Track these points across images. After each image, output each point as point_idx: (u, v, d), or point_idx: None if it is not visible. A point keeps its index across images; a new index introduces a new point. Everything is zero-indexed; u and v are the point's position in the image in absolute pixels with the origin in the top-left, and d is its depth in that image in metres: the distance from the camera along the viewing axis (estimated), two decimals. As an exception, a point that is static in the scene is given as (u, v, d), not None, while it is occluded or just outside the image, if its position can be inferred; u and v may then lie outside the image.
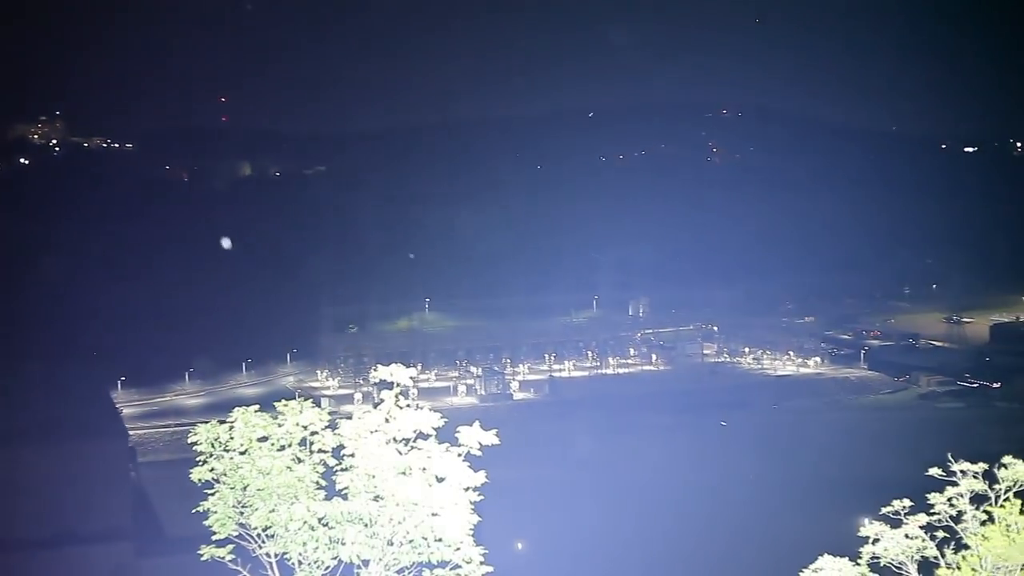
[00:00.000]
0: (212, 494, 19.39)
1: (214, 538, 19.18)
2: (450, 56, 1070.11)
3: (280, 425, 19.27)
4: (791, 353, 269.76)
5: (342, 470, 18.98)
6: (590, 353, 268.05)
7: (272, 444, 19.20)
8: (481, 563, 19.14)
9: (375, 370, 19.62)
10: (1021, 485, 19.77)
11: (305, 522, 18.73)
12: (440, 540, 18.87)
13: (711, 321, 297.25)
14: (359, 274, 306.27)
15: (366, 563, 18.82)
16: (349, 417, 19.19)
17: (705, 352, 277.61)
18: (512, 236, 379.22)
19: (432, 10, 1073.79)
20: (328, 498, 19.02)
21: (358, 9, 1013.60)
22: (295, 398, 19.92)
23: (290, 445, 19.25)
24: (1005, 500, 19.47)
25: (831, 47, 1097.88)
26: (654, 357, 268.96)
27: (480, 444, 18.86)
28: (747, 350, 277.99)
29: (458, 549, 18.94)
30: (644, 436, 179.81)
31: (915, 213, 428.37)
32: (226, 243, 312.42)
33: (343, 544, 18.53)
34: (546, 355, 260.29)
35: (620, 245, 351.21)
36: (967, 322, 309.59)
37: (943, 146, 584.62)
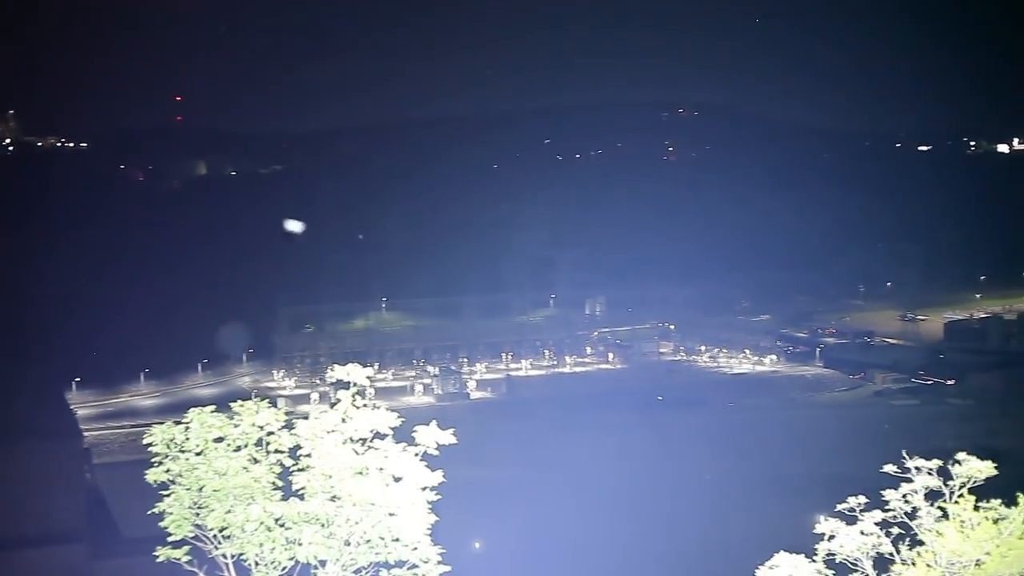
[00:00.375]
0: (168, 495, 19.29)
1: (170, 539, 19.08)
2: (408, 56, 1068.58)
3: (236, 426, 19.18)
4: (747, 351, 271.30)
5: (299, 470, 18.93)
6: (547, 352, 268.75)
7: (228, 445, 19.11)
8: (439, 563, 19.14)
9: (332, 370, 19.57)
10: (975, 481, 19.91)
11: (262, 523, 18.66)
12: (397, 540, 18.85)
13: (668, 320, 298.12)
14: (316, 274, 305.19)
15: (323, 563, 18.78)
16: (306, 417, 19.14)
17: (662, 350, 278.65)
18: (469, 235, 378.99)
19: (388, 10, 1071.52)
20: (285, 499, 18.96)
21: (314, 8, 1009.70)
22: (251, 398, 19.81)
23: (246, 446, 19.16)
24: (959, 496, 19.60)
25: (787, 46, 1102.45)
26: (611, 356, 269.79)
27: (437, 443, 18.85)
28: (703, 348, 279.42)
29: (415, 549, 18.92)
30: (601, 435, 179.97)
31: (870, 211, 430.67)
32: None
33: (300, 545, 18.48)
34: (503, 354, 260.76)
35: (577, 244, 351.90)
36: (921, 319, 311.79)
37: (897, 145, 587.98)
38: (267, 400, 20.28)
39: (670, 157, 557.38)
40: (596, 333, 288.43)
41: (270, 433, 19.18)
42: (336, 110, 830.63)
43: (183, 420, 19.40)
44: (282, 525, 18.73)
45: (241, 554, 18.95)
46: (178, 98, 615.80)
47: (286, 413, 19.67)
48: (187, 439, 19.16)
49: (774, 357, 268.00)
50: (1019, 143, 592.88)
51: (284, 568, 18.82)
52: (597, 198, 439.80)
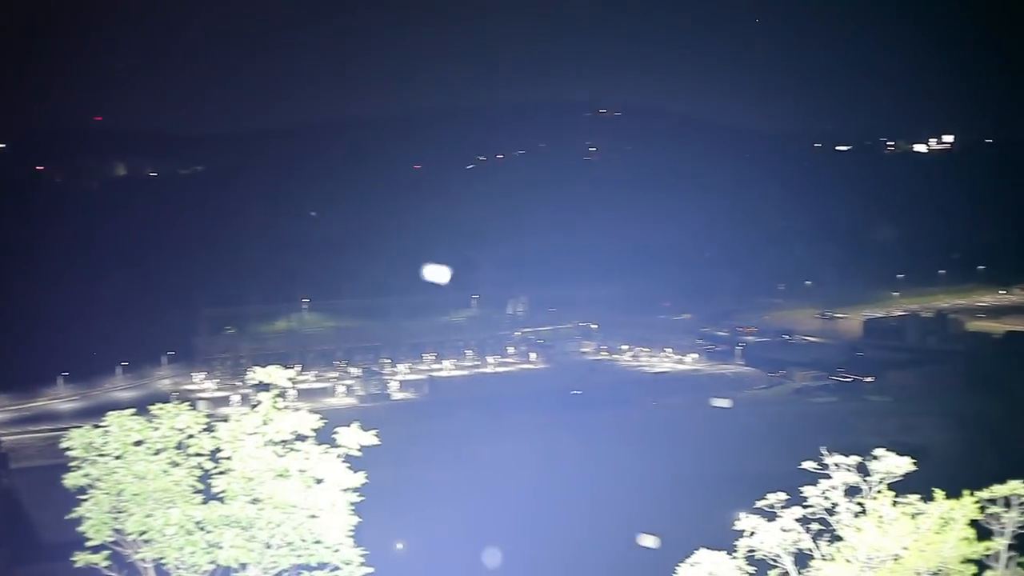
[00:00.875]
0: (86, 499, 19.12)
1: (89, 544, 18.93)
2: (328, 55, 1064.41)
3: (156, 429, 19.07)
4: (669, 350, 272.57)
5: (219, 473, 18.84)
6: (469, 352, 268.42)
7: (148, 448, 18.99)
8: (361, 564, 19.11)
9: (253, 372, 19.49)
10: (893, 477, 20.15)
11: (182, 526, 18.54)
12: (319, 542, 18.81)
13: (590, 319, 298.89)
14: (237, 275, 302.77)
15: (244, 567, 18.69)
16: (226, 420, 19.04)
17: (584, 350, 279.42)
18: (391, 236, 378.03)
19: (310, 7, 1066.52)
20: (205, 502, 18.85)
21: (232, 6, 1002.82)
22: (171, 401, 19.69)
23: (166, 449, 19.05)
24: (878, 492, 19.83)
25: (708, 47, 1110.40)
26: (533, 356, 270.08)
27: (359, 445, 18.82)
28: (625, 347, 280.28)
29: (337, 551, 18.89)
30: (523, 434, 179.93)
31: (789, 210, 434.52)
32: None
33: (221, 548, 18.38)
34: (425, 355, 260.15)
35: (499, 244, 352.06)
36: (840, 317, 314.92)
37: (816, 145, 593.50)
38: (187, 403, 20.16)
39: (592, 157, 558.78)
40: (518, 333, 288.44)
41: (190, 436, 19.06)
42: (256, 111, 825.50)
43: (102, 423, 19.23)
44: (203, 528, 18.61)
45: (161, 558, 18.83)
46: (97, 98, 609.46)
47: (206, 416, 19.57)
48: (106, 443, 19.01)
49: (695, 356, 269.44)
50: (936, 143, 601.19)
51: (205, 572, 18.70)
52: (519, 198, 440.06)
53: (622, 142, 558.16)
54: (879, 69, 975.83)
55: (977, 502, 19.41)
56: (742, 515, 20.78)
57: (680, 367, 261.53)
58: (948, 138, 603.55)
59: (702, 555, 20.69)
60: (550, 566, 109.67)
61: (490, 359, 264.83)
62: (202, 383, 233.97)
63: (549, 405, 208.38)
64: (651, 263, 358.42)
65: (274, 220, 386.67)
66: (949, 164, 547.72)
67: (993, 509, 19.72)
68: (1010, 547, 19.56)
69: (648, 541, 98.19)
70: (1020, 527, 19.51)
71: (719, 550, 20.73)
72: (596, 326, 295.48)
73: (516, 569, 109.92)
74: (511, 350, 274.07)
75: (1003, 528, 19.55)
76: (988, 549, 19.27)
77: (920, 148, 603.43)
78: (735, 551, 20.49)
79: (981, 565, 19.29)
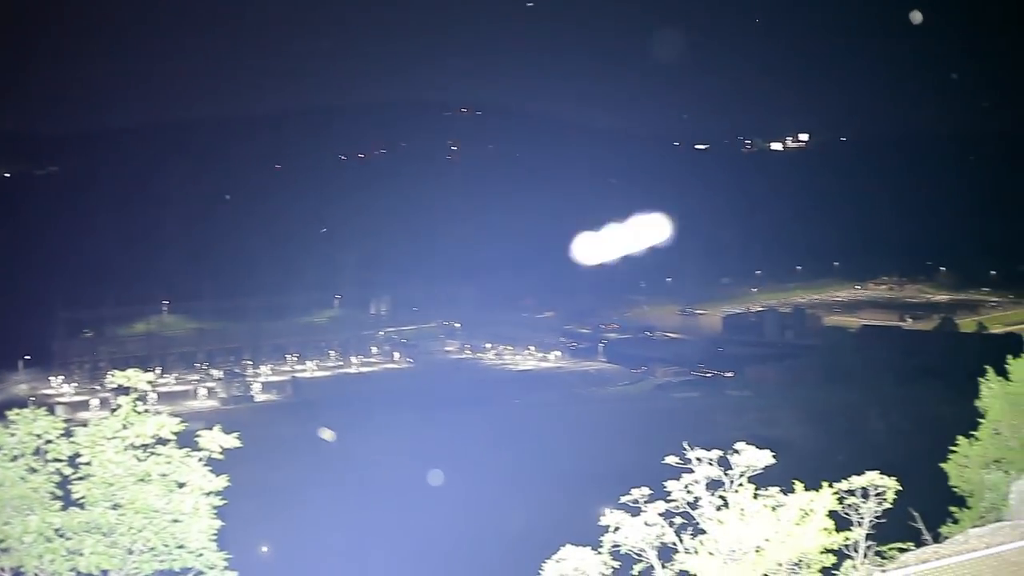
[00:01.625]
0: (-60, 509, 18.67)
1: (-58, 554, 18.48)
2: (187, 54, 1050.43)
3: (12, 435, 18.67)
4: (532, 348, 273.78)
5: (79, 479, 18.51)
6: (332, 353, 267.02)
7: (4, 454, 18.59)
8: (225, 568, 18.93)
9: (112, 375, 19.20)
10: (754, 470, 20.42)
11: (41, 534, 18.19)
12: (182, 547, 18.58)
13: (453, 318, 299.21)
14: (94, 277, 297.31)
15: (106, 573, 18.40)
16: (85, 424, 18.73)
17: (447, 349, 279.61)
18: (252, 236, 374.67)
19: (171, 5, 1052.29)
20: (65, 508, 18.52)
21: (93, 5, 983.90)
22: (28, 406, 19.29)
23: (23, 455, 18.66)
24: (739, 485, 20.09)
25: (569, 47, 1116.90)
26: (397, 355, 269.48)
27: (221, 448, 18.63)
28: (489, 346, 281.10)
29: (201, 555, 18.68)
30: (388, 434, 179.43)
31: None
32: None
33: (81, 555, 18.07)
34: (288, 356, 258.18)
35: (361, 243, 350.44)
36: (700, 314, 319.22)
37: (675, 144, 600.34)
38: (45, 408, 19.77)
39: (454, 156, 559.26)
40: (382, 332, 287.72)
41: (48, 441, 18.71)
42: (118, 110, 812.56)
43: (-45, 431, 18.79)
44: (62, 535, 18.29)
45: (20, 567, 18.46)
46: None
47: (65, 420, 19.20)
48: (-40, 450, 18.59)
49: (558, 353, 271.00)
50: (792, 141, 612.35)
51: (65, 579, 18.39)
52: (381, 197, 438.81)
53: (484, 141, 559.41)
54: (736, 68, 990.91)
55: (835, 493, 19.76)
56: (606, 510, 20.90)
57: (543, 365, 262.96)
58: (804, 136, 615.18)
59: (567, 551, 20.77)
60: (415, 566, 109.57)
61: (353, 359, 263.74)
62: (60, 387, 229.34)
63: (413, 405, 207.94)
64: (513, 261, 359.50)
65: (132, 221, 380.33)
66: (805, 162, 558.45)
67: (851, 500, 20.11)
68: (868, 536, 19.96)
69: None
70: (877, 517, 19.92)
71: (584, 546, 20.82)
72: (459, 325, 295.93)
73: (381, 570, 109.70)
74: (375, 350, 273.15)
75: (861, 518, 19.94)
76: (847, 539, 19.65)
77: (776, 146, 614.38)
78: (600, 546, 20.60)
79: (840, 555, 19.66)
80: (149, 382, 18.78)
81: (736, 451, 20.77)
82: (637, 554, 20.50)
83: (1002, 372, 27.00)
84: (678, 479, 20.66)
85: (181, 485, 18.37)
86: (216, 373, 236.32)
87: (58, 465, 18.69)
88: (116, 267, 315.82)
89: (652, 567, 20.29)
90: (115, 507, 18.24)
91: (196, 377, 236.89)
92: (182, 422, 18.80)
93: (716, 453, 20.78)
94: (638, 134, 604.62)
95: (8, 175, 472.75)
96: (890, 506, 20.07)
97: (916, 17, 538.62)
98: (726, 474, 20.41)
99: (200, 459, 18.43)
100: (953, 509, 26.50)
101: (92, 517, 18.16)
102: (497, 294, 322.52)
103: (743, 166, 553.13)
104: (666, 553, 20.37)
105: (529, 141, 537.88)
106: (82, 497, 18.28)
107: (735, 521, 19.49)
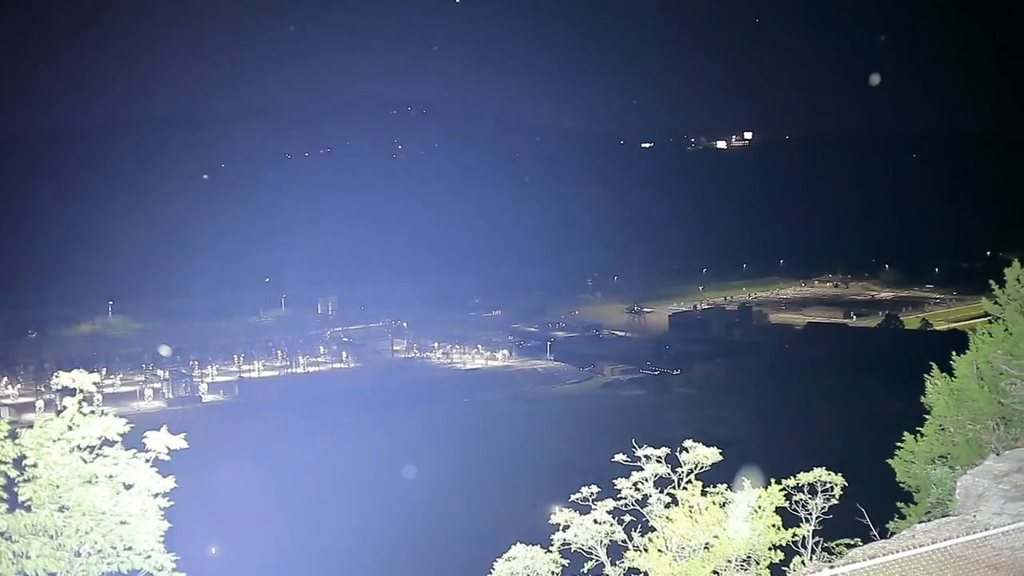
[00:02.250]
0: None
1: None
2: (130, 51, 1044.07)
3: (-43, 438, 18.47)
4: (480, 347, 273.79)
5: (24, 481, 18.33)
6: (280, 352, 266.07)
7: (-52, 458, 18.39)
8: (173, 570, 18.80)
9: (56, 376, 19.03)
10: (702, 467, 20.49)
11: (-14, 537, 18.01)
12: (130, 549, 18.42)
13: (400, 317, 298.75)
14: (36, 278, 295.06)
15: (54, 576, 18.25)
16: (31, 426, 18.56)
17: (395, 348, 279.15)
18: (197, 236, 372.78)
19: (94, 6, 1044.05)
20: (10, 511, 18.34)
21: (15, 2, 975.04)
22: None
23: (-33, 458, 18.46)
24: (687, 482, 20.14)
25: (516, 46, 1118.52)
26: (344, 355, 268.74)
27: (168, 448, 18.50)
28: (436, 345, 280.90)
29: (149, 557, 18.53)
30: (335, 434, 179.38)
31: (596, 207, 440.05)
32: None
33: (28, 558, 17.89)
34: (235, 356, 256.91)
35: (308, 243, 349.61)
36: (647, 312, 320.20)
37: (621, 142, 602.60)
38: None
39: (399, 155, 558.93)
40: (329, 332, 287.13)
41: (-8, 444, 18.53)
42: (58, 109, 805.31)
43: None
44: (8, 538, 18.11)
45: (-35, 570, 18.26)
46: None
47: (9, 422, 19.03)
48: (-98, 454, 18.36)
49: (506, 352, 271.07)
50: (736, 139, 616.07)
51: (12, 582, 18.21)
52: (326, 196, 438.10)
53: (430, 140, 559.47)
54: (682, 68, 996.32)
55: (783, 489, 19.84)
56: (556, 509, 20.91)
57: (491, 364, 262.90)
58: (748, 135, 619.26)
59: (517, 549, 20.77)
60: (366, 564, 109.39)
61: (301, 359, 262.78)
62: (4, 389, 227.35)
63: (361, 404, 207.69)
64: (460, 260, 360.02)
65: (75, 222, 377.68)
66: (749, 160, 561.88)
67: (799, 496, 20.19)
68: (816, 533, 20.06)
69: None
70: (824, 513, 20.02)
71: (534, 544, 20.83)
72: (407, 324, 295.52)
73: (330, 568, 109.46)
74: (322, 349, 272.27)
75: (808, 514, 20.03)
76: (795, 535, 19.72)
77: (721, 144, 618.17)
78: (550, 545, 20.62)
79: (789, 551, 19.74)
80: (94, 383, 18.62)
81: (684, 448, 20.83)
82: (587, 552, 20.53)
83: (947, 368, 27.20)
84: (627, 477, 20.69)
85: (128, 487, 18.21)
86: (162, 373, 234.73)
87: (3, 467, 18.51)
88: (59, 268, 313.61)
89: (602, 565, 20.33)
90: (62, 509, 18.07)
91: (142, 378, 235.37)
92: (128, 423, 18.66)
93: (664, 451, 20.83)
94: (584, 132, 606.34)
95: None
96: (837, 502, 20.17)
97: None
98: (674, 471, 20.45)
99: (147, 460, 18.30)
100: (900, 505, 26.65)
101: (38, 519, 17.97)
102: (445, 293, 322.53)
103: (688, 164, 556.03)
104: (616, 551, 20.40)
105: (475, 141, 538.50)
106: (28, 499, 18.10)
107: (684, 519, 19.54)
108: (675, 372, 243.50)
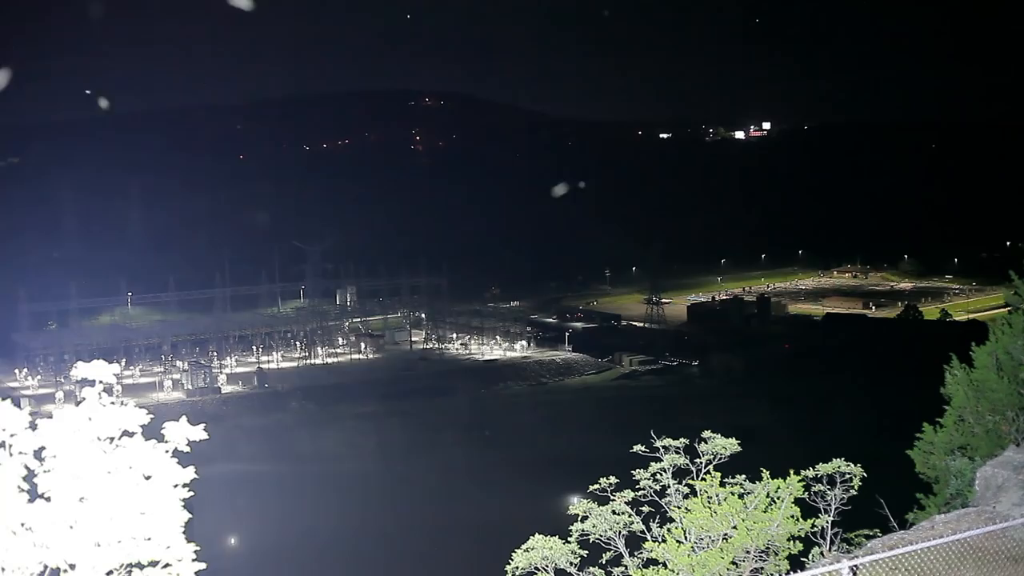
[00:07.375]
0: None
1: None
2: (151, 41, 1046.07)
3: (-23, 429, 18.51)
4: (498, 338, 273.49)
5: (44, 472, 18.37)
6: (298, 344, 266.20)
7: (-31, 449, 18.43)
8: (193, 560, 18.81)
9: (76, 367, 19.03)
10: (720, 458, 20.45)
11: (7, 527, 18.06)
12: (150, 539, 18.44)
13: (419, 308, 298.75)
14: (57, 269, 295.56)
15: (73, 566, 18.27)
16: (50, 417, 18.58)
17: (414, 340, 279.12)
18: (217, 226, 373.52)
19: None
20: (31, 502, 18.38)
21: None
22: (-8, 400, 19.11)
23: (-11, 449, 18.50)
24: (706, 473, 20.11)
25: (531, 38, 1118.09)
26: (363, 346, 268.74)
27: (188, 439, 18.51)
28: (455, 336, 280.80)
29: (169, 547, 18.53)
30: (354, 425, 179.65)
31: (615, 197, 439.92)
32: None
33: (48, 548, 17.95)
34: (254, 347, 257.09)
35: (326, 234, 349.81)
36: (666, 303, 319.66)
37: (639, 132, 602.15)
38: (9, 400, 19.60)
39: (417, 146, 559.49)
40: (347, 323, 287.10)
41: (13, 435, 18.55)
42: (37, 104, 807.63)
43: (-83, 424, 18.61)
44: (29, 529, 18.15)
45: (-15, 561, 18.30)
46: None
47: (30, 413, 19.04)
48: (-77, 444, 18.41)
49: (524, 343, 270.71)
50: (755, 130, 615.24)
51: (32, 573, 18.23)
52: (346, 187, 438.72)
53: (448, 130, 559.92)
54: (702, 57, 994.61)
55: (802, 480, 19.79)
56: (574, 500, 20.88)
57: (510, 355, 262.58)
58: (766, 125, 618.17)
59: (535, 540, 20.74)
60: (384, 554, 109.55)
61: (319, 350, 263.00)
62: (24, 380, 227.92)
63: (379, 395, 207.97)
64: (478, 251, 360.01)
65: (91, 214, 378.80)
66: (768, 150, 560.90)
67: (817, 487, 20.14)
68: (835, 524, 20.01)
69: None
70: (843, 504, 19.96)
71: (552, 535, 20.80)
72: (425, 315, 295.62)
73: (348, 558, 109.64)
74: (341, 341, 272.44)
75: (828, 505, 19.98)
76: (814, 526, 19.68)
77: (739, 135, 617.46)
78: (568, 536, 20.59)
79: (808, 542, 19.70)
80: (114, 374, 18.62)
81: (703, 439, 20.80)
82: (605, 543, 20.51)
83: (966, 359, 27.07)
84: (645, 468, 20.67)
85: (148, 477, 18.24)
86: (181, 364, 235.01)
87: (23, 458, 18.55)
88: (80, 259, 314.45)
89: (620, 555, 20.32)
90: (81, 500, 18.12)
91: (161, 369, 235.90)
92: (148, 414, 18.67)
93: (683, 441, 20.81)
94: (603, 123, 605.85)
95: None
96: (856, 493, 20.12)
97: None
98: (692, 462, 20.42)
99: (166, 451, 18.31)
100: (919, 496, 26.56)
101: (59, 510, 18.03)
102: (463, 284, 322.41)
103: (706, 155, 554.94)
104: (634, 542, 20.38)
105: (495, 131, 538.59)
106: (48, 490, 18.14)
107: (702, 510, 19.50)
108: (693, 363, 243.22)
